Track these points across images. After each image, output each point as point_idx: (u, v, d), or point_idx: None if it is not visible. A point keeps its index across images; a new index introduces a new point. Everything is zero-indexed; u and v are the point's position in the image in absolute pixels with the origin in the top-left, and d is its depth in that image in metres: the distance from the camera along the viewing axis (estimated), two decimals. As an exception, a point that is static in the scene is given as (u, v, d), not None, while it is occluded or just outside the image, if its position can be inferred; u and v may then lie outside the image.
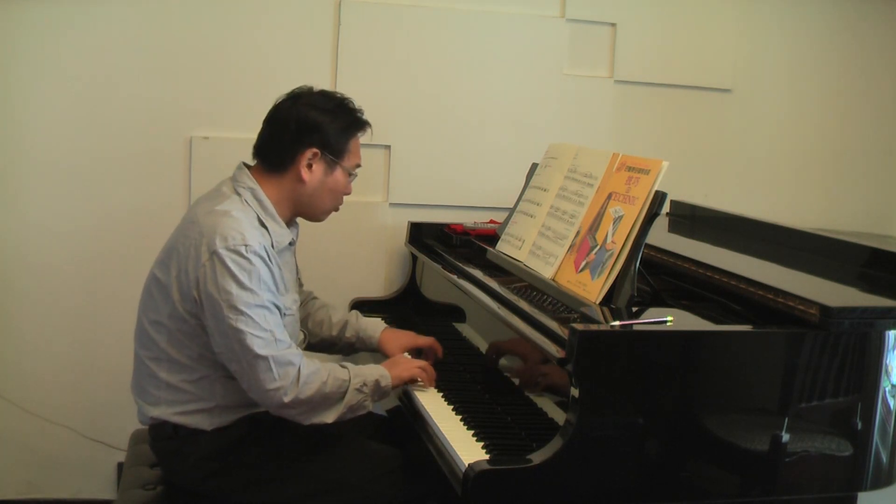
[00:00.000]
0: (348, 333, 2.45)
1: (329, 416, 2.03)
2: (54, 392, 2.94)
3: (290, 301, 2.20)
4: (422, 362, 2.24)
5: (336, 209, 2.27)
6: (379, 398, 2.13)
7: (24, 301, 2.91)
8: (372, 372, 2.11)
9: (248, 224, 2.04)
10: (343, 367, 2.08)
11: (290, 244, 2.22)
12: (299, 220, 2.29)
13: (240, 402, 2.09)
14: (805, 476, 1.83)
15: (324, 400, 2.01)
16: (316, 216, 2.25)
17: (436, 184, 3.10)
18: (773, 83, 3.38)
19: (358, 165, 2.25)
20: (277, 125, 2.16)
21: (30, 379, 2.93)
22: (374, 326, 2.46)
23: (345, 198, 2.27)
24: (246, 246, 1.98)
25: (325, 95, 2.21)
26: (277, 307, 2.03)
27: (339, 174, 2.19)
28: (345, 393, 2.03)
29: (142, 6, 2.85)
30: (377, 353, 2.45)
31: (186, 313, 2.03)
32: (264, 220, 2.11)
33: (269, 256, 2.04)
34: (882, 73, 3.47)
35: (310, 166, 2.14)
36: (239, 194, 2.11)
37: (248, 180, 2.14)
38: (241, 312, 1.95)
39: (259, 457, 2.10)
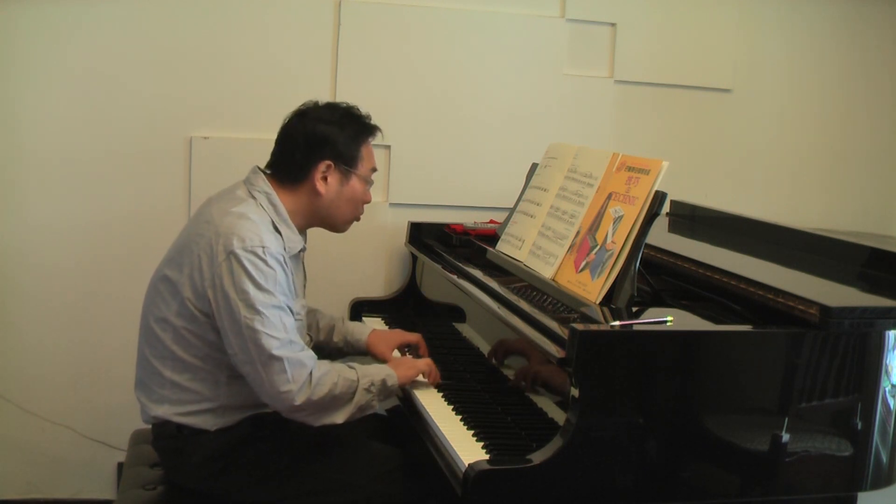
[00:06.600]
0: (336, 338, 2.46)
1: (339, 417, 2.04)
2: (54, 392, 2.94)
3: (300, 307, 2.21)
4: (426, 361, 2.24)
5: (357, 218, 2.28)
6: (385, 398, 2.13)
7: (25, 301, 2.91)
8: (378, 372, 2.11)
9: (264, 228, 2.05)
10: (350, 367, 2.09)
11: (301, 251, 2.23)
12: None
13: (244, 402, 2.09)
14: (805, 476, 1.83)
15: (334, 401, 2.02)
16: (337, 227, 2.27)
17: (436, 184, 3.10)
18: (773, 83, 3.38)
19: (374, 170, 2.27)
20: (287, 143, 2.18)
21: (30, 379, 2.93)
22: (361, 330, 2.47)
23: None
24: (263, 248, 2.00)
25: (331, 107, 2.22)
26: (291, 310, 2.04)
27: (355, 182, 2.20)
28: (354, 393, 2.04)
29: (142, 6, 2.84)
30: (367, 356, 2.44)
31: (198, 311, 2.04)
32: (278, 226, 2.12)
33: (284, 260, 2.06)
34: (882, 73, 3.47)
35: (325, 179, 2.16)
36: (254, 198, 2.12)
37: (264, 184, 2.15)
38: (259, 312, 1.96)
39: (261, 456, 2.10)
